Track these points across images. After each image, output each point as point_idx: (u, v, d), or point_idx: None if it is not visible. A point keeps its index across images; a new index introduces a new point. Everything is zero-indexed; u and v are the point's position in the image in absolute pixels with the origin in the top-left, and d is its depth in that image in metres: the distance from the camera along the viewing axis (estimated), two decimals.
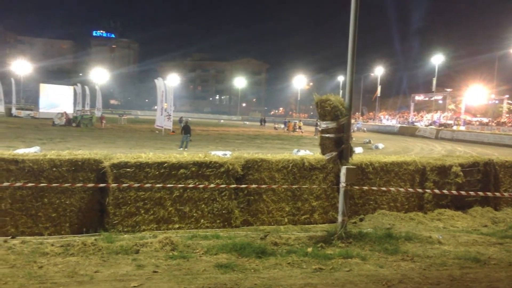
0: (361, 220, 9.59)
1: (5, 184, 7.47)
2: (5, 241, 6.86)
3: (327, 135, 8.02)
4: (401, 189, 9.80)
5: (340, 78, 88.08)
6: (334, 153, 7.98)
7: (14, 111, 56.52)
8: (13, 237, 7.24)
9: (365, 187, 9.41)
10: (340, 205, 7.99)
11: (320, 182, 9.47)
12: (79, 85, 66.55)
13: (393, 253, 7.08)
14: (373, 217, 9.68)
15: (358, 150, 22.33)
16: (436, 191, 9.33)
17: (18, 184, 7.52)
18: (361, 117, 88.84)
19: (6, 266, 5.83)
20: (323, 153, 8.25)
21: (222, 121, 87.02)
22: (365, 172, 9.86)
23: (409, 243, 7.68)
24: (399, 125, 65.27)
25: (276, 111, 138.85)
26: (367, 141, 36.52)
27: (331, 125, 7.90)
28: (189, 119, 35.27)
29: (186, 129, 25.18)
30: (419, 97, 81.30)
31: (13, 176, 7.62)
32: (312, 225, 9.26)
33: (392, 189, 9.66)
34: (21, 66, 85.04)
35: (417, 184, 10.39)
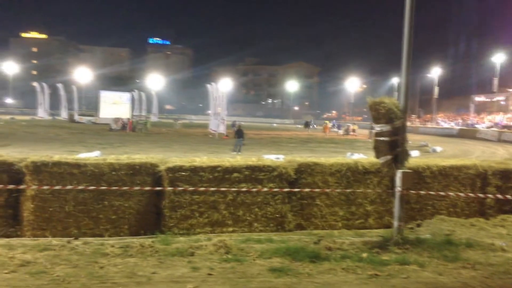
0: (418, 225, 9.31)
1: (69, 187, 7.83)
2: (69, 242, 7.17)
3: (381, 138, 7.86)
4: (461, 194, 9.44)
5: (395, 80, 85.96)
6: (389, 157, 7.81)
7: (76, 117, 59.28)
8: (76, 238, 7.56)
9: (422, 192, 9.14)
10: (396, 210, 7.81)
11: (374, 186, 9.28)
12: (136, 91, 69.03)
13: (453, 260, 6.82)
14: (431, 222, 9.37)
15: (414, 153, 21.70)
16: (499, 196, 8.91)
17: (80, 187, 7.87)
18: (417, 119, 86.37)
19: (70, 266, 6.10)
20: (377, 156, 8.08)
21: (274, 124, 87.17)
22: (422, 176, 9.56)
23: (470, 250, 7.38)
24: (458, 127, 62.83)
25: (329, 114, 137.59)
26: (424, 144, 35.45)
27: (386, 128, 7.73)
28: (242, 123, 35.61)
29: (239, 133, 25.43)
30: (480, 98, 78.02)
31: (76, 180, 7.97)
32: (367, 230, 9.08)
33: (451, 193, 9.32)
34: (82, 74, 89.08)
35: (478, 188, 9.96)
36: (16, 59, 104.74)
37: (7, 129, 38.57)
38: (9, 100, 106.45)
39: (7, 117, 62.89)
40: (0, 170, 7.94)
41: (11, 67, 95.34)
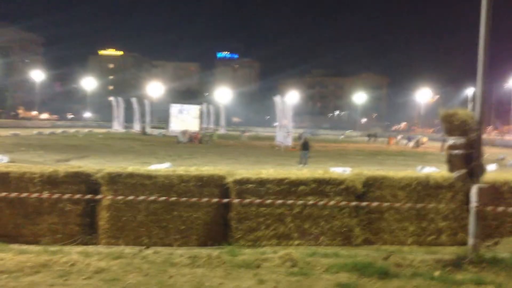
0: (496, 243, 8.78)
1: (141, 197, 8.14)
2: (140, 251, 7.43)
3: (455, 152, 7.54)
4: None
5: (470, 91, 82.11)
6: (463, 171, 7.47)
7: (148, 129, 61.80)
8: (147, 247, 7.81)
9: (500, 208, 8.62)
10: (472, 226, 7.42)
11: (447, 201, 8.88)
12: (204, 104, 70.98)
13: None
14: (510, 241, 8.81)
15: (491, 167, 20.57)
16: None
17: (152, 197, 8.16)
18: (494, 131, 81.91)
19: (141, 274, 6.31)
20: (450, 170, 7.75)
21: (341, 137, 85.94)
22: (500, 192, 9.03)
23: None
24: None
25: (398, 126, 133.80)
26: (502, 157, 33.50)
27: (459, 140, 7.42)
28: (309, 135, 35.41)
29: (305, 146, 25.30)
30: None
31: (147, 190, 8.28)
32: (439, 247, 8.68)
33: None
34: (155, 88, 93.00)
35: None
36: (94, 75, 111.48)
37: (85, 141, 40.90)
38: (87, 114, 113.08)
39: (86, 130, 66.71)
40: (79, 181, 8.42)
41: (90, 83, 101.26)
